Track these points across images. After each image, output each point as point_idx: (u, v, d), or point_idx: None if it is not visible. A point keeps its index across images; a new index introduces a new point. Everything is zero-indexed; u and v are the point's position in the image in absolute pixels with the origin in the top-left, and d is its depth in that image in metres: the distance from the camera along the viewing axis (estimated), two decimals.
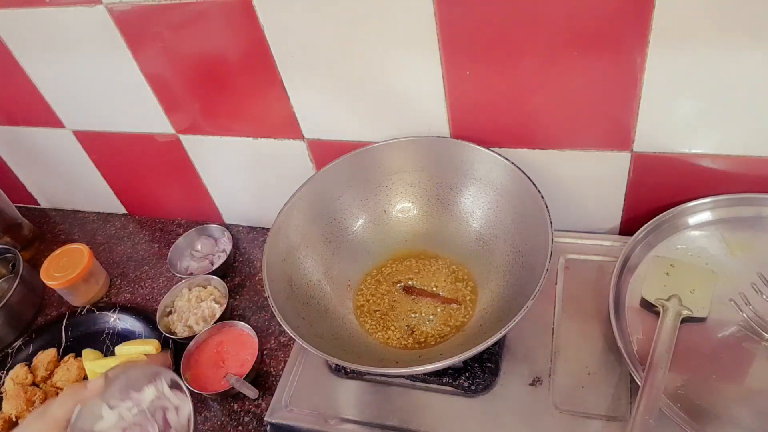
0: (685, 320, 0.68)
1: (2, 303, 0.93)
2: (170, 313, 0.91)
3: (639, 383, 0.62)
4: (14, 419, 0.82)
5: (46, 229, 1.19)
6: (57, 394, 0.85)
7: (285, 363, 0.82)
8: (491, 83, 0.72)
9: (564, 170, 0.79)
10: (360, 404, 0.73)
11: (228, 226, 1.06)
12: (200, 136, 0.93)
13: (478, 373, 0.71)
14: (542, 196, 0.69)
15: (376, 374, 0.75)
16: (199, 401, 0.81)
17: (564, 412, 0.67)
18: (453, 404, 0.71)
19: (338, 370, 0.76)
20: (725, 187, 0.75)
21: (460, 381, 0.71)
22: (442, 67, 0.71)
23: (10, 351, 0.93)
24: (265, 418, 0.75)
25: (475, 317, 0.76)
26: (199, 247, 1.02)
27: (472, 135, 0.78)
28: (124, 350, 0.86)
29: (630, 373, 0.66)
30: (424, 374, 0.72)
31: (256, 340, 0.83)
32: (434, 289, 0.79)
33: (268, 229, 0.76)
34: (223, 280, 0.92)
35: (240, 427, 0.78)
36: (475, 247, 0.81)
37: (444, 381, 0.71)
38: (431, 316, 0.77)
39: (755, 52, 0.61)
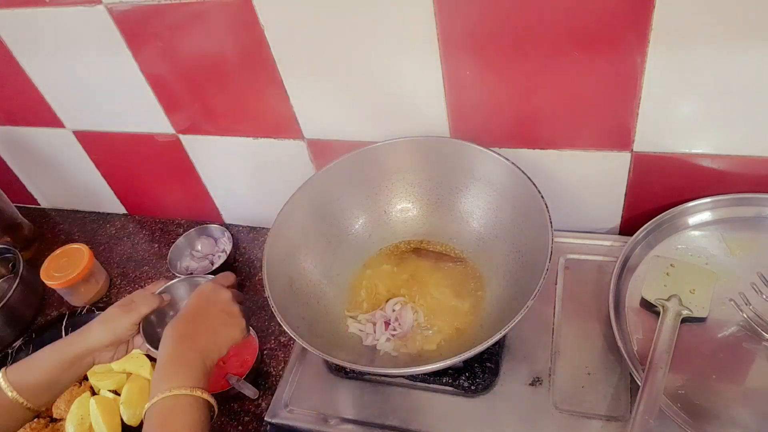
0: (685, 320, 0.68)
1: (2, 303, 0.92)
2: None
3: (639, 383, 0.62)
4: None
5: (46, 229, 1.19)
6: None
7: (285, 363, 0.82)
8: (491, 83, 0.72)
9: (564, 170, 0.79)
10: (360, 404, 0.73)
11: (228, 226, 1.06)
12: (200, 136, 0.93)
13: (478, 373, 0.71)
14: (542, 196, 0.69)
15: (376, 374, 0.75)
16: None
17: (564, 412, 0.67)
18: (453, 404, 0.71)
19: (338, 370, 0.76)
20: (725, 187, 0.75)
21: (460, 381, 0.71)
22: (442, 67, 0.71)
23: (10, 351, 0.93)
24: (265, 418, 0.75)
25: (475, 317, 0.76)
26: (199, 247, 1.02)
27: (472, 135, 0.78)
28: None
29: (630, 373, 0.66)
30: (424, 374, 0.72)
31: (256, 340, 0.83)
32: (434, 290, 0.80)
33: (268, 229, 0.76)
34: None
35: (240, 427, 0.78)
36: (475, 247, 0.81)
37: (444, 381, 0.71)
38: (432, 317, 0.77)
39: (755, 52, 0.61)
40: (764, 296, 0.69)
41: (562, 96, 0.71)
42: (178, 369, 0.60)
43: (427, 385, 0.73)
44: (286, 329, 0.65)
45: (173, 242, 1.01)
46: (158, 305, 0.74)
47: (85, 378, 0.86)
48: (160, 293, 0.77)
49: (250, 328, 0.83)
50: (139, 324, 0.72)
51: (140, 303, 0.73)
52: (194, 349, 0.62)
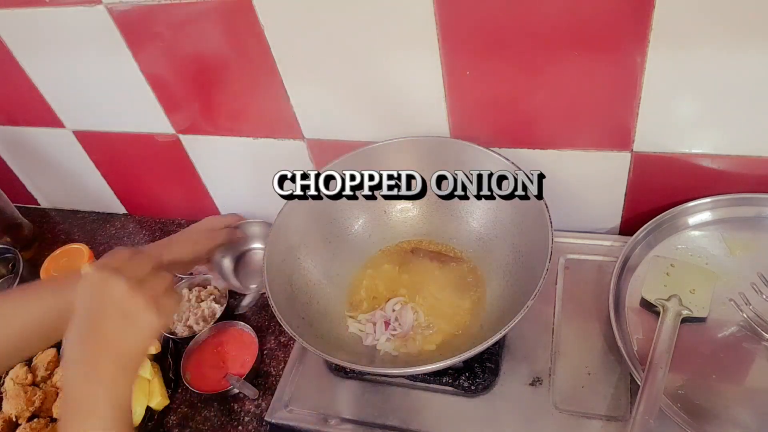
0: (685, 320, 0.68)
1: None
2: None
3: (639, 383, 0.62)
4: (14, 419, 0.82)
5: (46, 229, 1.19)
6: (57, 394, 0.85)
7: (285, 363, 0.82)
8: (491, 83, 0.72)
9: (564, 170, 0.79)
10: (360, 404, 0.73)
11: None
12: (200, 136, 0.93)
13: (478, 373, 0.71)
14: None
15: (376, 374, 0.75)
16: (199, 401, 0.81)
17: (564, 412, 0.67)
18: (453, 404, 0.71)
19: (338, 370, 0.76)
20: (725, 187, 0.75)
21: (460, 381, 0.71)
22: (442, 67, 0.71)
23: None
24: (265, 418, 0.75)
25: (475, 317, 0.76)
26: None
27: (472, 135, 0.78)
28: None
29: (630, 373, 0.66)
30: (424, 374, 0.72)
31: (256, 340, 0.83)
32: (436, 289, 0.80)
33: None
34: None
35: (240, 427, 0.78)
36: (475, 247, 0.81)
37: (444, 381, 0.71)
38: (432, 317, 0.77)
39: (755, 52, 0.61)
40: (764, 296, 0.69)
41: (562, 96, 0.71)
42: (78, 418, 0.50)
43: (427, 385, 0.73)
44: (286, 329, 0.65)
45: None
46: (228, 240, 0.82)
47: None
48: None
49: (250, 327, 0.83)
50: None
51: (219, 233, 0.80)
52: (93, 385, 0.51)
